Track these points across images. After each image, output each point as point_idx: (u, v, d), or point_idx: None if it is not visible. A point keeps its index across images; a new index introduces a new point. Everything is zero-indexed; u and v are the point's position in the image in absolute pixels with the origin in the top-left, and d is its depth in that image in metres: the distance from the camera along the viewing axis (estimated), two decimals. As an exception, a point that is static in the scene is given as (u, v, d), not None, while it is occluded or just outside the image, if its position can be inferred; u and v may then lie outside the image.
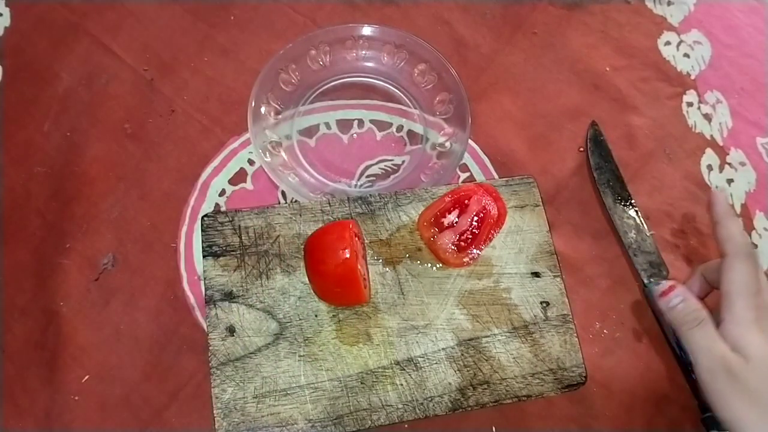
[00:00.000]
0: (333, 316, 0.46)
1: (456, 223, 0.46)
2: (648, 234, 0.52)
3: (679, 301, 0.44)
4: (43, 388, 0.46)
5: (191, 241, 0.51)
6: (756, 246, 0.54)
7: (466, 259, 0.46)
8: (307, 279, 0.44)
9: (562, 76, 0.60)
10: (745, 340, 0.40)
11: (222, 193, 0.53)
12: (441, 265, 0.47)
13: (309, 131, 0.56)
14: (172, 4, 0.60)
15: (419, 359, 0.45)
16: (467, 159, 0.55)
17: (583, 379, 0.45)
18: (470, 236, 0.46)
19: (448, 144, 0.54)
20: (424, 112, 0.56)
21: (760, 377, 0.39)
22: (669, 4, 0.65)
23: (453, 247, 0.46)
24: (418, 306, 0.46)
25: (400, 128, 0.56)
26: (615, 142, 0.56)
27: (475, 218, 0.46)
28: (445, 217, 0.46)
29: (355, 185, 0.54)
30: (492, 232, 0.46)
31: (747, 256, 0.42)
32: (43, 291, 0.49)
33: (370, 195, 0.49)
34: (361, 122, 0.56)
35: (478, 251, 0.46)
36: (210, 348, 0.44)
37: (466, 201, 0.46)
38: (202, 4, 0.60)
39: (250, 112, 0.51)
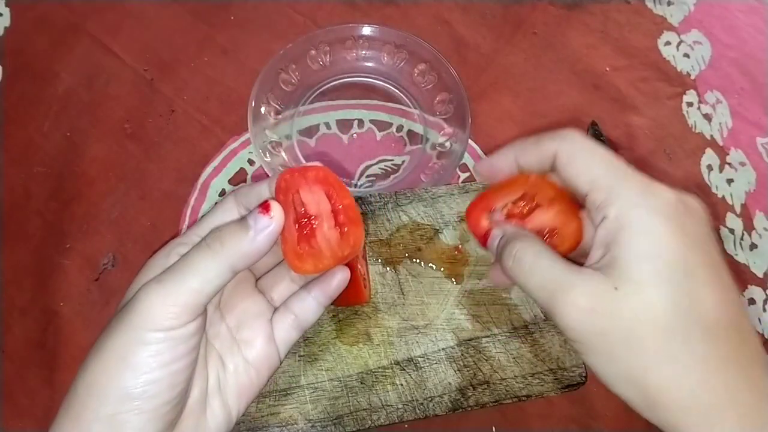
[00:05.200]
0: (333, 316, 0.45)
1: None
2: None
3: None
4: (43, 388, 0.46)
5: (191, 241, 0.51)
6: (756, 246, 0.54)
7: None
8: (307, 279, 0.44)
9: (562, 76, 0.60)
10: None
11: (222, 193, 0.53)
12: (443, 269, 0.47)
13: (309, 131, 0.56)
14: (172, 4, 0.60)
15: (419, 359, 0.45)
16: (467, 159, 0.55)
17: (583, 379, 0.45)
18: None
19: (448, 144, 0.54)
20: (424, 112, 0.56)
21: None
22: (669, 4, 0.65)
23: None
24: (418, 306, 0.46)
25: (400, 128, 0.56)
26: (615, 142, 0.56)
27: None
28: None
29: (355, 185, 0.54)
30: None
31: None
32: (43, 291, 0.49)
33: (370, 195, 0.49)
34: (361, 122, 0.56)
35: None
36: (210, 348, 0.44)
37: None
38: (202, 4, 0.60)
39: (250, 112, 0.51)
